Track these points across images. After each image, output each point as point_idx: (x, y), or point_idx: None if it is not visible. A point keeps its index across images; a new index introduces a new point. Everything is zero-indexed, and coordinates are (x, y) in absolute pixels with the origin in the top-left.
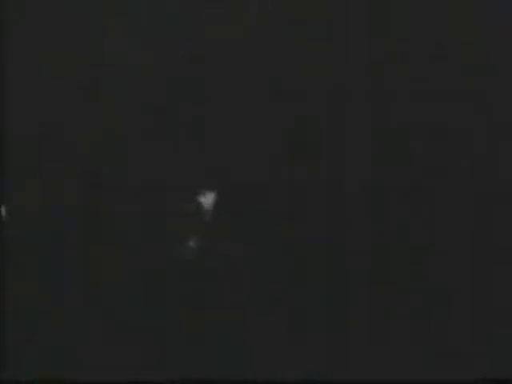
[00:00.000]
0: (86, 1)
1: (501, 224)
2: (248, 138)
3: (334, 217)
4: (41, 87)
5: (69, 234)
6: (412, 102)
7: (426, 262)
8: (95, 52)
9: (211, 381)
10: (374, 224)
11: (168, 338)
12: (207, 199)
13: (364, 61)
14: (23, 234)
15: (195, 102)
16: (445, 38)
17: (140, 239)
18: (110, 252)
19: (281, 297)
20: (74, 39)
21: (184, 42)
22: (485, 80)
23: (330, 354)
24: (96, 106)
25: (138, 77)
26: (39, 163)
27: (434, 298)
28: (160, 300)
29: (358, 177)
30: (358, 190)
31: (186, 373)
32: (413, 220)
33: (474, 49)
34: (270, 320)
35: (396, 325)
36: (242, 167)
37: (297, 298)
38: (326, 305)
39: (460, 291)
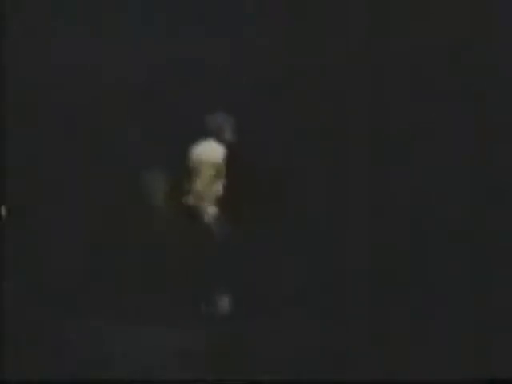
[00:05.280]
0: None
1: (501, 224)
2: (246, 139)
3: (334, 216)
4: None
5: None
6: (412, 102)
7: (427, 263)
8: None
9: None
10: (374, 223)
11: None
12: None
13: (364, 61)
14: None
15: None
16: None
17: None
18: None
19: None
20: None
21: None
22: (485, 80)
23: (330, 353)
24: (95, 105)
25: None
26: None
27: (434, 298)
28: None
29: (358, 176)
30: (359, 189)
31: None
32: (412, 219)
33: (475, 49)
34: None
35: (396, 325)
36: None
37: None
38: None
39: (460, 291)
